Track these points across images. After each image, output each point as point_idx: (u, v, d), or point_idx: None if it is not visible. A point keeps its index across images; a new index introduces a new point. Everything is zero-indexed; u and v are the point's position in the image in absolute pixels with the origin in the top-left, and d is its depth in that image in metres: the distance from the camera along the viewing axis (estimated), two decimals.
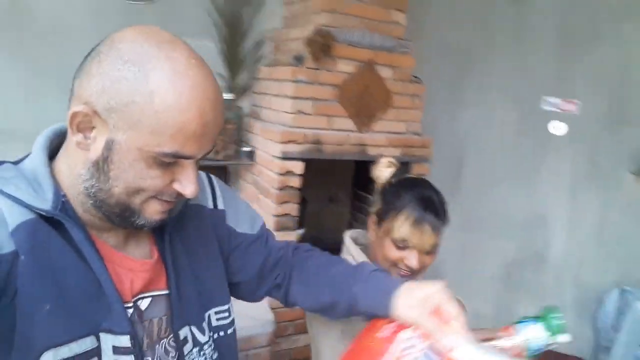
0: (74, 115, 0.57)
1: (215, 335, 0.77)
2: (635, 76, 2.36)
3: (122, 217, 0.62)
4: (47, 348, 0.55)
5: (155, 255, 0.71)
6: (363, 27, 1.92)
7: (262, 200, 1.97)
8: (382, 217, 1.02)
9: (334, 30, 1.83)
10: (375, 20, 1.96)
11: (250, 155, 2.04)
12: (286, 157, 1.79)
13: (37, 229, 0.57)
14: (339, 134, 1.90)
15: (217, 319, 0.77)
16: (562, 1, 2.49)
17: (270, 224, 1.86)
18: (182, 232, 0.75)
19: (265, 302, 1.90)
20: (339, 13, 1.87)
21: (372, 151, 1.98)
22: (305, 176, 1.85)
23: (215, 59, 2.11)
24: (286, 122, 1.85)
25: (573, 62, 2.46)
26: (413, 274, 1.01)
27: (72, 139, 0.59)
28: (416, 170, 2.11)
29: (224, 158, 2.01)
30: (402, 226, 0.97)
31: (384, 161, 1.09)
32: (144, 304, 0.68)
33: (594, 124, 2.47)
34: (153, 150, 0.56)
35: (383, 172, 1.07)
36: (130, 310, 0.65)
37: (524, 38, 2.54)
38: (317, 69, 1.84)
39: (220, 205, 0.82)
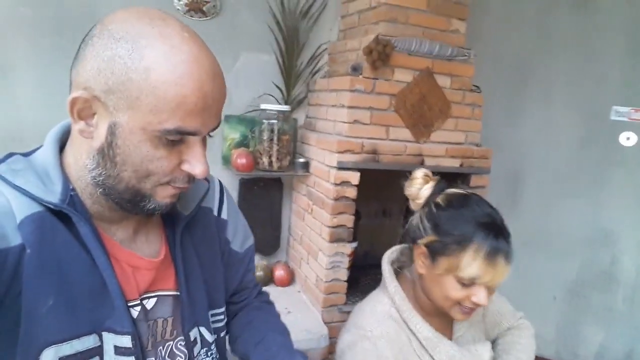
0: (73, 101, 0.56)
1: (215, 336, 0.78)
2: None
3: (133, 203, 0.60)
4: (49, 345, 0.54)
5: (163, 253, 0.70)
6: (422, 36, 1.90)
7: (316, 212, 1.95)
8: (438, 251, 0.86)
9: (393, 40, 1.81)
10: (435, 29, 1.92)
11: (305, 166, 2.04)
12: (342, 167, 1.77)
13: (44, 222, 0.56)
14: (396, 144, 1.86)
15: (213, 321, 0.77)
16: (630, 5, 2.36)
17: (324, 235, 1.84)
18: (193, 233, 0.74)
19: (319, 316, 1.87)
20: (398, 23, 1.86)
21: (429, 162, 1.92)
22: (359, 189, 1.82)
23: (273, 72, 2.14)
24: (342, 132, 1.84)
25: None
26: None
27: (75, 127, 0.58)
28: (475, 182, 2.04)
29: (279, 169, 2.02)
30: (472, 263, 0.82)
31: (418, 176, 0.94)
32: (149, 304, 0.66)
33: None
34: (156, 128, 0.55)
35: (421, 190, 0.92)
36: (137, 309, 0.64)
37: (588, 45, 2.43)
38: (375, 78, 1.82)
39: (224, 215, 0.82)
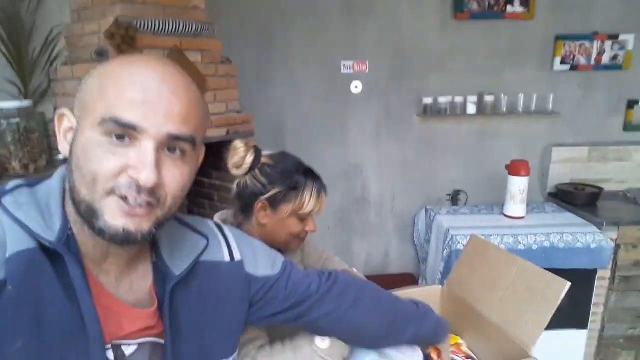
0: (59, 118, 0.61)
1: None
2: (407, 36, 2.84)
3: (88, 221, 0.58)
4: None
5: (153, 305, 0.68)
6: (165, 15, 1.92)
7: None
8: (280, 200, 1.06)
9: (135, 21, 1.79)
10: (175, 6, 1.97)
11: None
12: None
13: (33, 261, 0.56)
14: None
15: None
16: None
17: None
18: (188, 288, 0.71)
19: None
20: (136, 3, 1.83)
21: None
22: None
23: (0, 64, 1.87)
24: None
25: (360, 28, 2.83)
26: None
27: (62, 147, 0.62)
28: None
29: (36, 172, 1.84)
30: (310, 201, 1.08)
31: (239, 148, 1.06)
32: (129, 350, 0.64)
33: (384, 78, 2.91)
34: (96, 120, 0.56)
35: (245, 159, 1.05)
36: (111, 354, 0.62)
37: (316, 14, 2.81)
38: None
39: (237, 256, 0.78)
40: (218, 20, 2.15)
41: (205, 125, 0.67)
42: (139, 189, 0.56)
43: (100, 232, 0.58)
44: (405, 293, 1.50)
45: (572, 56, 2.82)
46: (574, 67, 2.84)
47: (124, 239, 0.58)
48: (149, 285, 0.69)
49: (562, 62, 2.83)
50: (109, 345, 0.62)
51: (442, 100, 2.85)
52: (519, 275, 1.26)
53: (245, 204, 1.11)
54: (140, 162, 0.56)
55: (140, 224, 0.59)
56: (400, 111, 2.95)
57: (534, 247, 2.32)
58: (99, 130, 0.56)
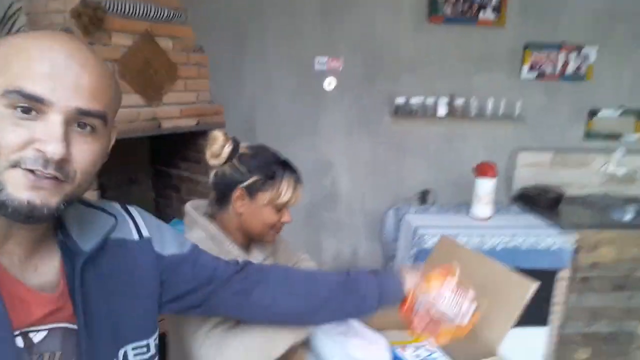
0: None
1: None
2: (381, 36, 2.85)
3: None
4: None
5: (61, 287, 0.64)
6: None
7: None
8: (257, 189, 1.08)
9: (103, 1, 1.71)
10: None
11: None
12: None
13: None
14: (128, 111, 1.82)
15: (135, 354, 0.73)
16: None
17: None
18: (99, 267, 0.69)
19: None
20: None
21: (167, 124, 1.96)
22: None
23: None
24: None
25: (335, 26, 2.82)
26: None
27: None
28: None
29: None
30: (287, 191, 1.10)
31: (218, 138, 1.08)
32: (38, 337, 0.61)
33: (357, 77, 2.91)
34: (0, 92, 0.53)
35: (224, 149, 1.08)
36: (20, 342, 0.59)
37: (292, 9, 2.78)
38: (92, 43, 1.71)
39: (145, 233, 0.77)
40: (191, 8, 2.09)
41: (116, 103, 0.66)
42: (46, 162, 0.54)
43: (2, 206, 0.54)
44: None
45: (538, 65, 2.91)
46: (540, 75, 2.92)
47: (28, 214, 0.55)
48: (56, 266, 0.66)
49: (530, 69, 2.91)
50: (17, 332, 0.58)
51: (414, 101, 2.88)
52: (488, 275, 1.28)
53: (222, 193, 1.11)
54: (47, 135, 0.54)
55: (47, 198, 0.56)
56: (372, 110, 2.96)
57: (499, 247, 2.37)
58: (2, 102, 0.53)
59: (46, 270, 0.65)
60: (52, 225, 0.67)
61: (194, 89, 2.11)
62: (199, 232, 1.09)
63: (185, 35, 2.04)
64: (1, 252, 0.60)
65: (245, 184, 1.09)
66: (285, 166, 1.13)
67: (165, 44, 1.96)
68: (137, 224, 0.78)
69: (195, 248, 0.85)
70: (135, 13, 1.82)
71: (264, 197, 1.09)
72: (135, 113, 1.84)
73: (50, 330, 0.62)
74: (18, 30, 1.90)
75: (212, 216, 1.15)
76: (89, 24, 1.63)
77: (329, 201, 3.12)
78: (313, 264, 1.43)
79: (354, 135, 3.01)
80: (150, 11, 1.87)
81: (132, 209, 0.80)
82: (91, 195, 1.74)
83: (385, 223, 3.07)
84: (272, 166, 1.10)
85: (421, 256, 2.35)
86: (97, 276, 0.68)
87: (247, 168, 1.09)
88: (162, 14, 1.92)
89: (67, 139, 0.56)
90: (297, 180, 1.13)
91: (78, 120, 0.57)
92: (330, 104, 2.94)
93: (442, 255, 1.47)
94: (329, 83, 2.89)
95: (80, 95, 0.56)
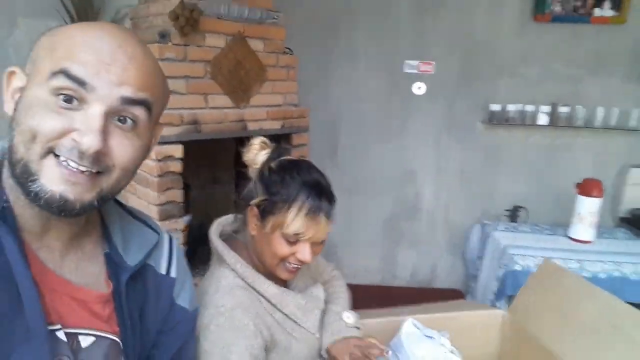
0: (9, 76, 0.56)
1: None
2: (479, 37, 2.67)
3: (23, 184, 0.53)
4: None
5: (107, 296, 0.62)
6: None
7: (140, 191, 1.85)
8: (267, 211, 0.90)
9: (200, 4, 1.74)
10: None
11: None
12: (163, 142, 1.69)
13: None
14: (217, 112, 1.85)
15: None
16: None
17: (153, 214, 1.75)
18: (137, 285, 0.66)
19: None
20: None
21: (252, 126, 1.96)
22: (185, 160, 1.77)
23: None
24: None
25: (429, 26, 2.69)
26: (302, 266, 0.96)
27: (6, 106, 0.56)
28: (297, 141, 2.16)
29: None
30: (295, 220, 0.88)
31: (256, 143, 0.96)
32: (86, 341, 0.58)
33: (448, 82, 2.75)
34: (45, 77, 0.52)
35: (257, 155, 0.95)
36: (62, 335, 0.56)
37: (384, 11, 2.70)
38: (186, 45, 1.75)
39: (173, 273, 0.73)
40: (283, 10, 2.08)
41: (163, 99, 0.62)
42: (81, 154, 0.52)
43: (35, 197, 0.52)
44: (463, 315, 1.37)
45: None
46: None
47: (61, 207, 0.53)
48: (99, 272, 0.64)
49: None
50: (59, 326, 0.56)
51: (511, 108, 2.66)
52: (602, 310, 1.11)
53: (243, 208, 0.99)
54: (85, 126, 0.52)
55: (81, 193, 0.54)
56: (464, 116, 2.78)
57: (602, 275, 2.11)
58: (47, 86, 0.52)
59: (88, 271, 0.63)
60: (94, 223, 0.65)
61: (281, 91, 2.10)
62: (227, 276, 0.95)
63: (277, 36, 2.04)
64: (41, 245, 0.58)
65: (254, 201, 0.93)
66: (309, 190, 0.90)
67: (257, 45, 1.97)
68: (170, 260, 0.74)
69: (197, 308, 0.80)
70: (230, 14, 1.84)
71: (271, 221, 0.91)
72: (223, 114, 1.85)
73: (97, 337, 0.60)
74: None
75: (233, 233, 1.03)
76: (186, 25, 1.67)
77: (410, 212, 2.98)
78: (342, 282, 1.23)
79: (442, 142, 2.84)
80: (245, 12, 1.88)
81: (175, 244, 0.76)
82: (175, 194, 1.78)
83: (469, 239, 2.86)
84: (289, 187, 0.90)
85: (509, 279, 2.14)
86: (135, 293, 0.66)
87: (264, 184, 0.93)
88: (255, 15, 1.92)
89: (106, 132, 0.54)
90: (317, 210, 0.89)
91: (120, 112, 0.55)
92: (418, 109, 2.81)
93: (543, 282, 1.31)
94: (419, 87, 2.76)
95: (125, 85, 0.54)
